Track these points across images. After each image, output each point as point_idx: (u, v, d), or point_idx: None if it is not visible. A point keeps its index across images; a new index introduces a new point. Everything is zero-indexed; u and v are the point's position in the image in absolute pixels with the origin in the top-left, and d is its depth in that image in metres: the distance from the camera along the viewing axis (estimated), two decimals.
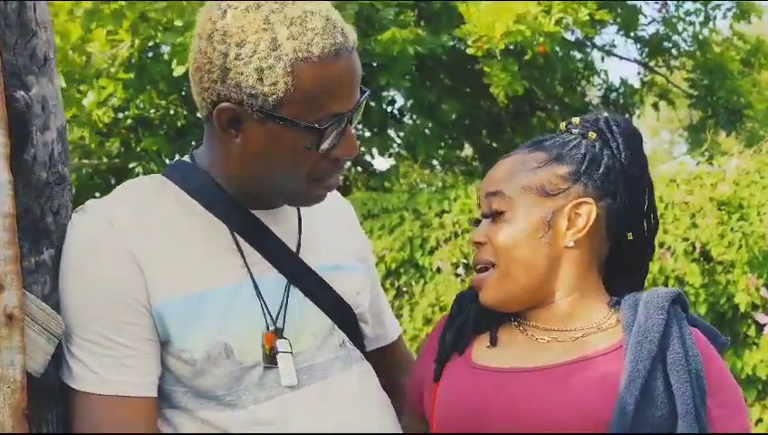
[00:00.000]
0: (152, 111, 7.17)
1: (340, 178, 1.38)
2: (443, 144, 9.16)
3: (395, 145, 8.72)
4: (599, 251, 1.42)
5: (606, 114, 1.49)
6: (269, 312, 1.34)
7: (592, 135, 1.44)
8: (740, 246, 4.65)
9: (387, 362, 1.58)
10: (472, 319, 1.44)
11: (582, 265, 1.40)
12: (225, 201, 1.37)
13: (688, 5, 8.86)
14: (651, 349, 1.27)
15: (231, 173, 1.36)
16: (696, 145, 8.98)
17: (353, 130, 1.30)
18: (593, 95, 10.40)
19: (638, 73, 10.05)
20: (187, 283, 1.29)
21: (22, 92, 1.26)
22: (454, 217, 5.33)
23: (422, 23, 7.64)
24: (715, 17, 8.58)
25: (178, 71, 5.38)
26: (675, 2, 8.99)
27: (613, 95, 9.75)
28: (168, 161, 7.50)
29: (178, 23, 5.54)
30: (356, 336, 1.47)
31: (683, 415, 1.22)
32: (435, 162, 9.52)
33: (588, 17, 6.58)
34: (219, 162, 1.37)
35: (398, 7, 7.31)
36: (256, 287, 1.34)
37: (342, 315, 1.44)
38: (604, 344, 1.33)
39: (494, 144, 10.15)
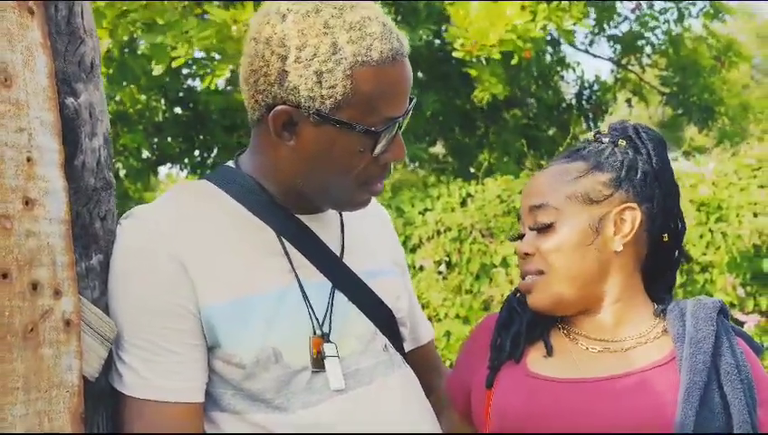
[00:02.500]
0: (131, 107, 7.13)
1: (383, 185, 1.40)
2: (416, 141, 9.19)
3: None
4: (639, 255, 1.46)
5: (633, 123, 1.52)
6: (315, 316, 1.36)
7: (622, 143, 1.47)
8: (718, 247, 4.74)
9: (420, 364, 1.60)
10: (525, 327, 1.47)
11: (627, 270, 1.43)
12: (271, 206, 1.39)
13: (662, 4, 8.96)
14: (706, 360, 1.30)
15: (279, 177, 1.38)
16: (671, 142, 9.10)
17: (401, 138, 1.34)
18: (567, 92, 10.49)
19: (612, 71, 10.17)
20: (234, 287, 1.31)
21: (71, 99, 1.27)
22: (436, 216, 5.37)
23: (398, 18, 7.66)
24: (689, 14, 8.69)
25: (157, 70, 5.36)
26: (648, 0, 9.09)
27: (587, 92, 9.85)
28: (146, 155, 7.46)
29: (160, 21, 5.51)
30: (396, 340, 1.50)
31: (739, 425, 1.26)
32: (407, 159, 9.52)
33: (572, 26, 6.66)
34: (267, 166, 1.39)
35: (377, 2, 7.30)
36: (303, 292, 1.36)
37: (384, 320, 1.46)
38: (656, 356, 1.37)
39: (467, 140, 10.21)
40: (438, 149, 11.23)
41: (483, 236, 5.26)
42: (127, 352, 1.28)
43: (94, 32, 1.34)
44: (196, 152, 7.51)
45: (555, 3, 6.89)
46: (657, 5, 9.05)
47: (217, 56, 5.71)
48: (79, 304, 1.20)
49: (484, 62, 6.82)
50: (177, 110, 7.25)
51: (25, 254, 1.12)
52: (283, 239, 1.38)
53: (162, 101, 7.08)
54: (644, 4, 9.21)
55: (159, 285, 1.28)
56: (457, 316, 5.13)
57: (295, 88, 1.26)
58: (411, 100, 1.35)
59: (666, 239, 1.48)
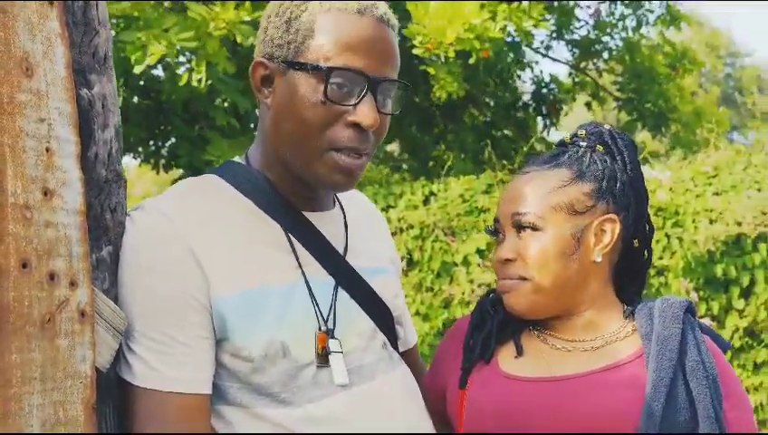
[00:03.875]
0: None
1: (360, 165, 1.36)
2: None
3: None
4: (613, 262, 1.51)
5: (608, 127, 1.56)
6: (321, 312, 1.38)
7: (600, 148, 1.52)
8: (674, 252, 4.86)
9: (409, 366, 1.63)
10: (496, 327, 1.51)
11: (603, 278, 1.49)
12: (279, 202, 1.41)
13: (621, 10, 9.11)
14: (672, 357, 1.36)
15: (270, 156, 1.42)
16: None
17: (373, 102, 1.32)
18: (524, 91, 10.60)
19: (570, 74, 10.31)
20: (245, 281, 1.32)
21: (86, 90, 1.27)
22: (399, 213, 5.41)
23: None
24: (646, 22, 8.85)
25: (137, 69, 5.30)
26: (607, 2, 9.23)
27: (544, 91, 9.96)
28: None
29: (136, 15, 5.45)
30: (393, 338, 1.53)
31: (704, 419, 1.32)
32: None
33: (532, 27, 6.74)
34: (263, 149, 1.43)
35: None
36: (309, 288, 1.38)
37: (383, 318, 1.49)
38: (625, 353, 1.42)
39: (425, 138, 10.27)
40: (394, 147, 11.28)
41: (445, 234, 5.31)
42: (137, 342, 1.28)
43: (107, 23, 1.34)
44: (151, 142, 7.42)
45: (516, 4, 6.97)
46: (617, 12, 9.20)
47: (189, 55, 5.68)
48: (93, 296, 1.20)
49: (442, 59, 6.88)
50: (142, 99, 7.17)
51: (44, 244, 1.12)
52: (290, 235, 1.40)
53: (123, 88, 6.99)
54: (603, 11, 9.37)
55: (172, 277, 1.28)
56: (417, 313, 5.17)
57: (271, 40, 1.36)
58: (403, 84, 1.37)
59: (636, 244, 1.54)
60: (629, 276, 1.56)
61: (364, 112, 1.31)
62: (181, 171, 7.25)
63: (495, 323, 1.52)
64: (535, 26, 6.75)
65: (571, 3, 9.26)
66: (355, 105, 1.31)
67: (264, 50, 1.37)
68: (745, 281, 4.86)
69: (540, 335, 1.50)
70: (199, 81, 5.69)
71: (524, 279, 1.45)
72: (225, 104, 6.64)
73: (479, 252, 5.21)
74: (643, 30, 9.12)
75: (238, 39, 5.61)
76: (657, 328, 1.41)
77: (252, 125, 7.63)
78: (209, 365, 1.32)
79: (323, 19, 1.31)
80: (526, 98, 10.29)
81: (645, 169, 5.74)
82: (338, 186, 1.38)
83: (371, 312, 1.47)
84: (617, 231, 1.46)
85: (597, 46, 9.56)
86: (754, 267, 4.84)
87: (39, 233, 1.11)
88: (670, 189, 5.19)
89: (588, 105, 10.18)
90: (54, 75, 1.18)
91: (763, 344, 4.83)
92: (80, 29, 1.27)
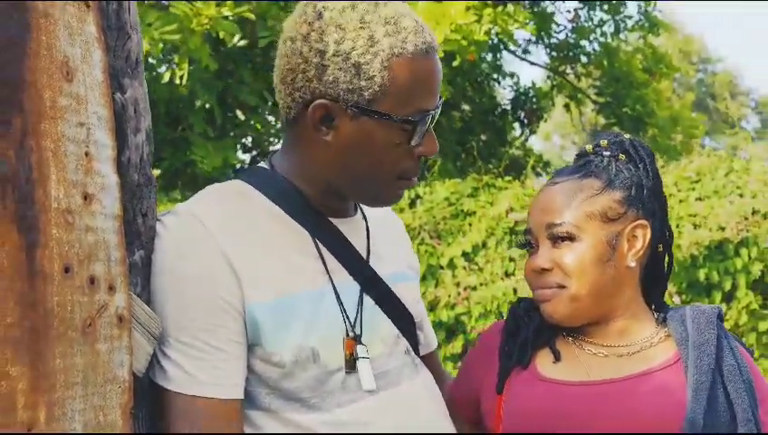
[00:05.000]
0: None
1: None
2: None
3: None
4: (642, 268, 1.54)
5: (627, 136, 1.60)
6: (348, 318, 1.39)
7: (622, 157, 1.54)
8: None
9: (430, 369, 1.64)
10: (532, 334, 1.53)
11: (635, 283, 1.52)
12: (306, 208, 1.42)
13: (600, 15, 9.21)
14: (710, 362, 1.39)
15: (314, 175, 1.41)
16: None
17: (432, 130, 1.38)
18: (503, 97, 10.67)
19: (548, 78, 10.39)
20: (276, 286, 1.33)
21: (119, 94, 1.27)
22: None
23: None
24: (625, 27, 8.95)
25: None
26: (588, 1, 9.31)
27: (523, 98, 10.03)
28: None
29: None
30: (415, 344, 1.54)
31: (743, 422, 1.35)
32: None
33: (516, 29, 6.79)
34: (302, 165, 1.42)
35: None
36: (337, 294, 1.39)
37: (405, 323, 1.50)
38: (661, 358, 1.45)
39: None
40: None
41: (431, 237, 5.33)
42: (172, 347, 1.28)
43: (138, 27, 1.34)
44: None
45: (501, 7, 7.02)
46: (596, 18, 9.29)
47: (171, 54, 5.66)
48: (130, 300, 1.20)
49: None
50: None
51: (85, 249, 1.12)
52: (317, 241, 1.41)
53: None
54: (582, 16, 9.45)
55: (207, 282, 1.28)
56: None
57: (334, 81, 1.30)
58: (440, 97, 1.40)
59: (660, 249, 1.57)
60: (653, 281, 1.59)
61: (431, 146, 1.38)
62: (158, 172, 7.22)
63: (531, 329, 1.54)
64: (521, 28, 6.79)
65: (550, 8, 9.34)
66: (422, 138, 1.36)
67: (321, 90, 1.32)
68: (727, 285, 4.93)
69: (575, 341, 1.52)
70: (181, 78, 5.67)
71: (562, 287, 1.47)
72: (207, 106, 6.63)
73: (465, 255, 5.24)
74: (621, 35, 9.22)
75: (221, 35, 5.60)
76: (692, 334, 1.44)
77: (232, 133, 7.62)
78: (242, 370, 1.32)
79: (398, 67, 1.30)
80: (505, 104, 10.36)
81: None
82: (389, 204, 1.48)
83: (395, 317, 1.47)
84: (648, 236, 1.49)
85: (575, 51, 9.65)
86: (736, 272, 4.91)
87: (80, 238, 1.11)
88: None
89: (566, 107, 10.27)
90: (92, 79, 1.18)
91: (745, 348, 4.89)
92: (113, 33, 1.27)
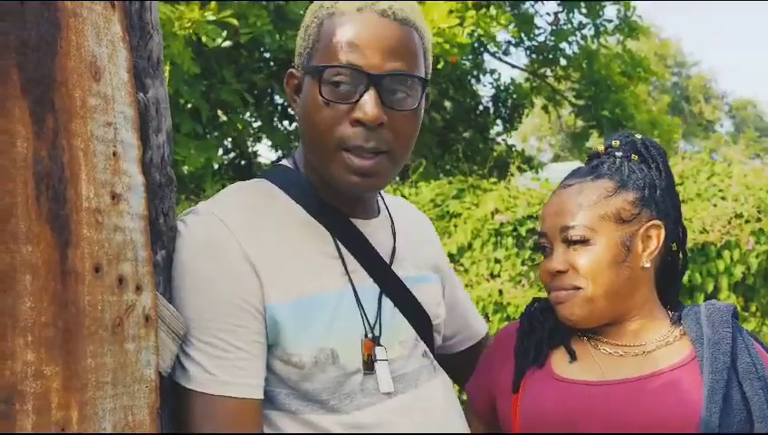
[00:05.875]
0: None
1: (373, 165, 1.34)
2: None
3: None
4: (657, 267, 1.55)
5: (639, 136, 1.61)
6: (368, 320, 1.39)
7: (635, 157, 1.57)
8: None
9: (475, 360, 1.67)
10: (547, 334, 1.55)
11: (650, 283, 1.54)
12: (327, 208, 1.42)
13: (579, 18, 9.27)
14: (725, 360, 1.40)
15: (306, 160, 1.45)
16: (583, 153, 9.43)
17: (377, 98, 1.31)
18: (484, 96, 10.69)
19: (527, 80, 10.44)
20: (297, 287, 1.33)
21: (141, 94, 1.27)
22: None
23: None
24: (605, 31, 9.02)
25: None
26: (565, 11, 9.37)
27: (503, 95, 10.07)
28: None
29: None
30: (432, 347, 1.54)
31: (759, 419, 1.36)
32: None
33: (498, 31, 6.83)
34: (302, 154, 1.46)
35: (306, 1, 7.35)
36: (356, 295, 1.39)
37: (423, 326, 1.50)
38: (676, 357, 1.46)
39: None
40: None
41: None
42: (194, 347, 1.28)
43: (159, 27, 1.34)
44: None
45: (483, 10, 7.05)
46: (575, 21, 9.35)
47: None
48: (156, 300, 1.20)
49: None
50: None
51: (114, 248, 1.12)
52: (338, 242, 1.41)
53: None
54: (561, 19, 9.51)
55: (230, 282, 1.29)
56: None
57: (298, 49, 1.40)
58: (415, 77, 1.35)
59: (674, 248, 1.59)
60: (668, 280, 1.60)
61: (364, 108, 1.30)
62: None
63: (547, 329, 1.56)
64: (503, 29, 6.83)
65: (531, 10, 9.39)
66: (356, 102, 1.31)
67: (296, 61, 1.42)
68: (710, 287, 4.97)
69: (590, 341, 1.54)
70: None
71: (578, 289, 1.48)
72: (188, 106, 6.59)
73: (450, 257, 5.26)
74: (600, 39, 9.29)
75: (203, 39, 5.58)
76: (706, 332, 1.45)
77: (216, 133, 7.59)
78: (263, 371, 1.32)
79: (327, 22, 1.34)
80: (485, 102, 10.39)
81: None
82: (355, 187, 1.36)
83: (414, 320, 1.48)
84: (662, 236, 1.50)
85: (555, 53, 9.71)
86: (719, 274, 4.96)
87: (109, 237, 1.11)
88: None
89: (545, 108, 10.33)
90: (119, 79, 1.18)
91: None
92: (136, 33, 1.27)
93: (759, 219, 4.94)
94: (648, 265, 1.50)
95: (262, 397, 1.32)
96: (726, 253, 4.95)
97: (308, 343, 1.32)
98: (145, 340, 1.17)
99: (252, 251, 1.31)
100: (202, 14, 5.55)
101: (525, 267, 5.05)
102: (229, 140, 8.59)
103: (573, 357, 1.51)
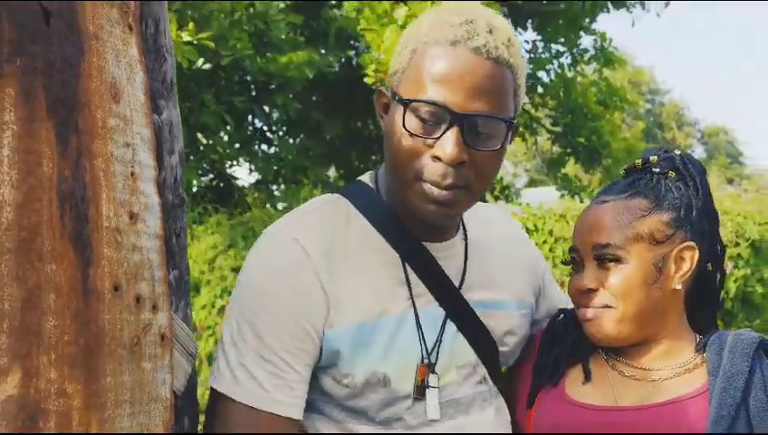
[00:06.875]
0: None
1: (451, 197, 1.32)
2: (310, 163, 9.27)
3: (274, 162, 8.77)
4: (688, 289, 1.52)
5: (678, 152, 1.58)
6: (426, 346, 1.40)
7: (672, 174, 1.53)
8: None
9: None
10: (567, 350, 1.54)
11: (679, 306, 1.51)
12: (400, 230, 1.42)
13: (557, 48, 9.38)
14: (736, 395, 1.36)
15: (387, 180, 1.43)
16: (563, 181, 9.52)
17: (459, 137, 1.28)
18: None
19: None
20: (361, 313, 1.35)
21: (155, 116, 1.29)
22: None
23: (303, 38, 7.74)
24: (582, 60, 9.13)
25: None
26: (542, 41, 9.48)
27: None
28: None
29: None
30: (495, 373, 1.53)
31: None
32: (304, 181, 9.55)
33: None
34: (384, 173, 1.45)
35: (288, 25, 7.40)
36: (418, 321, 1.40)
37: (487, 352, 1.50)
38: (691, 387, 1.43)
39: (362, 166, 10.35)
40: (332, 172, 11.32)
41: None
42: (252, 362, 1.31)
43: (173, 50, 1.36)
44: None
45: None
46: (553, 49, 9.47)
47: None
48: (171, 319, 1.21)
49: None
50: None
51: (132, 268, 1.13)
52: (407, 266, 1.41)
53: None
54: (539, 47, 9.63)
55: (299, 308, 1.32)
56: None
57: (390, 69, 1.38)
58: (501, 120, 1.31)
59: (710, 268, 1.56)
60: (701, 300, 1.57)
61: (444, 147, 1.28)
62: None
63: (567, 346, 1.55)
64: None
65: None
66: (437, 139, 1.29)
67: (387, 78, 1.40)
68: None
69: (610, 361, 1.52)
70: None
71: (607, 307, 1.47)
72: None
73: None
74: (577, 68, 9.41)
75: (180, 60, 5.58)
76: (724, 364, 1.41)
77: (193, 157, 7.60)
78: (306, 392, 1.36)
79: (420, 51, 1.31)
80: None
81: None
82: (432, 215, 1.34)
83: (478, 346, 1.48)
84: (696, 258, 1.47)
85: (532, 81, 9.81)
86: None
87: (127, 257, 1.13)
88: None
89: (521, 135, 10.42)
90: (136, 101, 1.19)
91: None
92: (151, 55, 1.29)
93: (737, 244, 5.02)
94: (679, 286, 1.47)
95: (300, 418, 1.35)
96: None
97: (363, 366, 1.35)
98: (161, 359, 1.18)
99: (325, 278, 1.33)
100: (179, 35, 5.56)
101: None
102: (206, 163, 8.59)
103: (588, 378, 1.50)
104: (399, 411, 1.38)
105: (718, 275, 1.57)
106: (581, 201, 7.57)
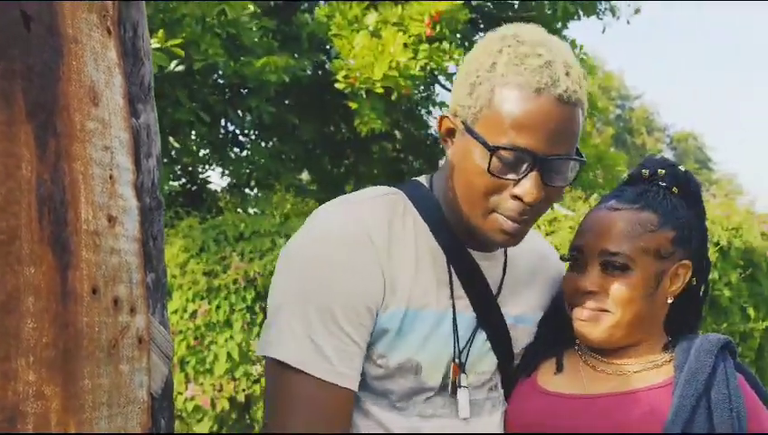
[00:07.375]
0: None
1: (522, 229, 1.42)
2: (283, 168, 9.28)
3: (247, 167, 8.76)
4: (673, 300, 1.60)
5: (682, 167, 1.65)
6: (459, 347, 1.47)
7: (675, 190, 1.60)
8: None
9: None
10: (543, 345, 1.61)
11: (664, 314, 1.60)
12: (449, 234, 1.48)
13: None
14: (698, 388, 1.45)
15: (447, 190, 1.48)
16: None
17: (539, 179, 1.35)
18: (434, 126, 10.82)
19: None
20: (408, 298, 1.42)
21: (133, 119, 1.29)
22: None
23: (276, 42, 7.75)
24: None
25: None
26: None
27: None
28: None
29: None
30: (506, 381, 1.62)
31: None
32: (277, 185, 9.56)
33: (452, 65, 6.97)
34: (445, 183, 1.49)
35: (261, 30, 7.40)
36: (455, 321, 1.47)
37: (506, 363, 1.58)
38: (655, 380, 1.52)
39: (335, 171, 10.36)
40: (304, 176, 11.32)
41: None
42: (317, 333, 1.36)
43: (150, 55, 1.37)
44: None
45: (436, 44, 7.18)
46: None
47: None
48: (149, 322, 1.22)
49: (364, 95, 7.02)
50: None
51: (110, 270, 1.14)
52: (452, 270, 1.48)
53: None
54: None
55: (361, 278, 1.38)
56: None
57: (457, 97, 1.41)
58: (574, 161, 1.38)
59: (695, 282, 1.63)
60: (683, 310, 1.64)
61: (526, 189, 1.36)
62: None
63: (544, 341, 1.62)
64: (456, 65, 6.97)
65: None
66: (518, 180, 1.36)
67: (452, 105, 1.44)
68: None
69: (583, 357, 1.61)
70: None
71: (605, 311, 1.54)
72: None
73: None
74: None
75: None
76: (690, 359, 1.50)
77: (165, 160, 7.57)
78: (362, 367, 1.42)
79: (501, 93, 1.34)
80: (436, 132, 10.49)
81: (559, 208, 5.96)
82: (501, 243, 1.46)
83: (500, 355, 1.55)
84: (688, 276, 1.57)
85: None
86: None
87: (105, 259, 1.13)
88: None
89: None
90: (115, 104, 1.20)
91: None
92: (129, 59, 1.29)
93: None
94: (671, 300, 1.56)
95: (356, 390, 1.41)
96: None
97: (400, 352, 1.42)
98: (138, 361, 1.19)
99: (385, 262, 1.40)
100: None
101: None
102: (178, 167, 8.57)
103: (559, 369, 1.58)
104: (419, 401, 1.45)
105: (702, 288, 1.65)
106: (551, 208, 7.62)
